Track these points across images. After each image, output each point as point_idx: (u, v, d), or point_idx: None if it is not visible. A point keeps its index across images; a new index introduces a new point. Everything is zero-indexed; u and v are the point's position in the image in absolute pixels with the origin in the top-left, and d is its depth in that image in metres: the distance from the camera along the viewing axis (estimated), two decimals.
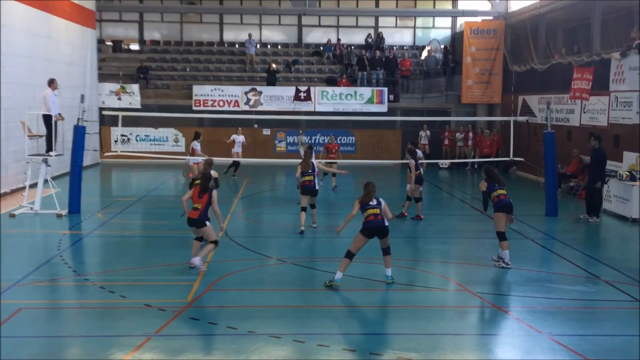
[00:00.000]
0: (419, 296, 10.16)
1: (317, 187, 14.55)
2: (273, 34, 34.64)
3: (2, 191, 17.98)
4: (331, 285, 10.14)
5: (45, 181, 16.05)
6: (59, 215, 15.38)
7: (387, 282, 10.45)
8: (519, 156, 19.13)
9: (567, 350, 7.79)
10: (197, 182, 11.45)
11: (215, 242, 11.04)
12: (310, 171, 14.36)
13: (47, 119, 15.99)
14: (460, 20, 31.86)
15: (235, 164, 23.22)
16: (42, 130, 16.37)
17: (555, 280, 10.92)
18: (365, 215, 10.37)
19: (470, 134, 27.68)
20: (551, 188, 16.81)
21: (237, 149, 23.29)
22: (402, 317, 9.05)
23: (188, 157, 19.22)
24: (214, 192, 10.98)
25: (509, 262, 11.50)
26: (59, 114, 16.13)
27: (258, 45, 32.71)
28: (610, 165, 18.84)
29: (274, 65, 30.22)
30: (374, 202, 10.46)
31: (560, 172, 18.87)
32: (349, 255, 10.36)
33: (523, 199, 20.09)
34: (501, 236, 11.62)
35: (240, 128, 24.10)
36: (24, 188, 16.39)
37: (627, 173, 16.66)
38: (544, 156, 17.12)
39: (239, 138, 23.36)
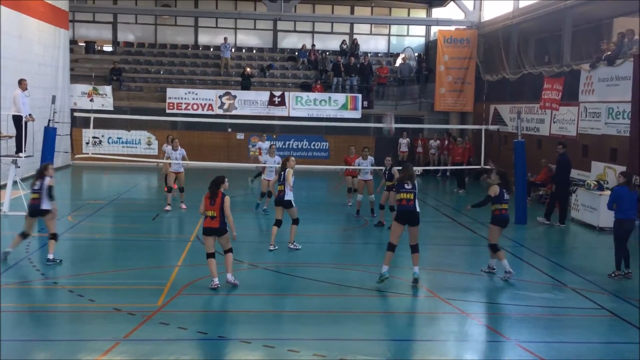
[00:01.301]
0: (390, 302, 10.23)
1: (287, 198, 12.79)
2: (248, 38, 34.65)
3: None
4: (383, 281, 10.44)
5: (15, 183, 15.82)
6: None
7: (414, 278, 10.64)
8: (489, 164, 19.35)
9: (534, 356, 7.91)
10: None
11: (231, 249, 10.41)
12: (282, 180, 12.91)
13: (17, 119, 15.77)
14: (434, 29, 32.19)
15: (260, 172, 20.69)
16: (12, 130, 16.14)
17: (523, 288, 11.07)
18: (398, 199, 10.61)
19: (445, 142, 27.96)
20: (520, 196, 17.04)
21: (264, 156, 19.49)
22: (372, 323, 9.11)
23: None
24: (227, 197, 10.22)
25: (511, 270, 11.24)
26: (30, 115, 15.92)
27: (233, 49, 32.67)
28: (579, 174, 19.22)
29: (248, 70, 30.21)
30: (409, 185, 10.55)
31: (529, 181, 19.13)
32: (391, 247, 10.68)
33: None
34: (494, 248, 11.42)
35: (264, 135, 22.99)
36: None
37: (595, 182, 16.97)
38: (514, 165, 17.36)
39: (264, 145, 20.85)
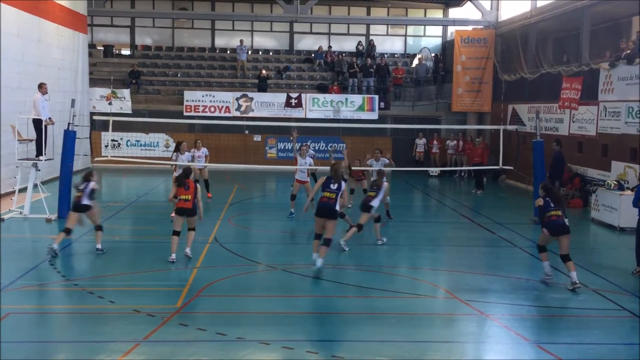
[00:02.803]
0: (408, 303, 10.20)
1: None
2: (264, 41, 34.74)
3: None
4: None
5: (35, 186, 15.99)
6: (49, 220, 15.32)
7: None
8: (508, 165, 19.24)
9: (555, 358, 7.85)
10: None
11: (194, 229, 12.15)
12: (333, 186, 11.56)
13: (37, 123, 15.94)
14: (451, 29, 32.06)
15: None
16: (32, 134, 16.33)
17: (543, 288, 10.98)
18: (322, 196, 11.37)
19: (461, 142, 27.84)
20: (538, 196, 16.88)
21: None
22: (391, 324, 9.08)
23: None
24: (197, 185, 12.06)
25: (551, 274, 11.24)
26: (49, 118, 16.10)
27: (249, 52, 32.78)
28: (599, 174, 19.05)
29: (265, 72, 30.29)
30: (334, 186, 11.45)
31: (548, 181, 18.98)
32: (317, 236, 11.49)
33: (512, 207, 20.25)
34: (540, 249, 11.35)
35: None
36: (13, 192, 16.32)
37: (615, 182, 16.80)
38: (533, 165, 17.24)
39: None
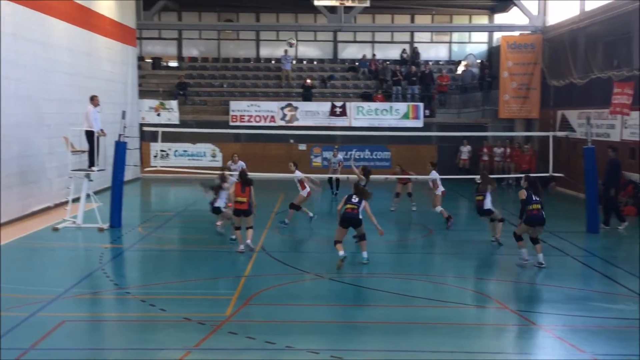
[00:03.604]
0: (457, 313, 10.06)
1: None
2: (309, 50, 34.94)
3: (46, 205, 18.40)
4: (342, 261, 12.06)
5: (88, 196, 16.37)
6: (101, 229, 15.67)
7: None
8: (558, 172, 18.87)
9: None
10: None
11: (252, 227, 13.48)
12: (355, 199, 12.72)
13: (89, 134, 16.34)
14: (497, 35, 31.68)
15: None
16: (85, 146, 16.73)
17: (597, 299, 10.72)
18: (346, 207, 12.55)
19: (508, 150, 27.43)
20: (592, 204, 16.54)
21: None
22: (439, 334, 8.96)
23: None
24: (252, 188, 13.44)
25: (527, 258, 12.46)
26: (101, 130, 16.48)
27: (294, 61, 32.99)
28: None
29: (309, 81, 30.44)
30: (355, 199, 12.57)
31: (600, 188, 18.52)
32: (337, 243, 12.46)
33: (563, 216, 19.79)
34: (517, 237, 12.58)
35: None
36: (67, 202, 16.74)
37: None
38: (584, 172, 16.87)
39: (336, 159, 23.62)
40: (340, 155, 22.92)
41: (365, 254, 12.70)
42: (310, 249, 14.76)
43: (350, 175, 20.51)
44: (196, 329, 8.78)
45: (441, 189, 17.44)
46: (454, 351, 8.26)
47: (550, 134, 18.61)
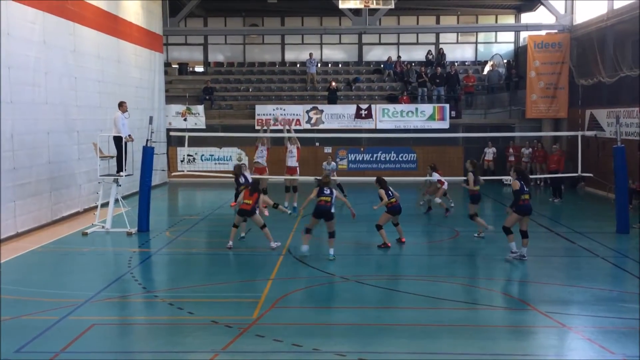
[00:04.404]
0: (485, 315, 9.99)
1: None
2: (334, 53, 34.98)
3: (75, 210, 18.68)
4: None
5: (116, 200, 16.57)
6: (129, 234, 15.86)
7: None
8: (587, 172, 18.62)
9: None
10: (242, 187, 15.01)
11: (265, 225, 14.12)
12: (327, 191, 13.56)
13: (117, 140, 16.55)
14: (524, 34, 31.37)
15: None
16: (113, 151, 16.96)
17: (629, 300, 10.55)
18: (319, 200, 13.34)
19: (535, 149, 27.12)
20: (622, 204, 16.30)
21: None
22: (467, 337, 8.90)
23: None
24: (261, 195, 14.42)
25: (517, 250, 12.86)
26: (129, 136, 16.68)
27: (319, 64, 33.05)
28: None
29: (334, 84, 30.47)
30: (327, 191, 13.32)
31: (631, 188, 18.25)
32: (308, 230, 13.41)
33: (593, 216, 19.56)
34: (507, 231, 12.91)
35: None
36: (96, 207, 16.98)
37: None
38: (614, 171, 16.63)
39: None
40: (334, 163, 22.39)
41: (331, 251, 13.25)
42: (336, 251, 14.74)
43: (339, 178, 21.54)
44: (224, 332, 8.84)
45: (446, 185, 19.08)
46: (482, 354, 8.21)
47: (579, 133, 18.39)
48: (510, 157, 27.88)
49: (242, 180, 16.04)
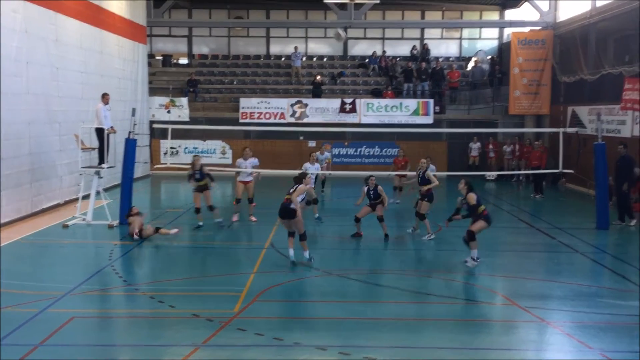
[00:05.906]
0: (467, 310, 10.07)
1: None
2: (319, 47, 34.93)
3: (56, 202, 18.52)
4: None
5: (98, 193, 16.45)
6: (111, 226, 15.75)
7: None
8: (568, 168, 18.77)
9: None
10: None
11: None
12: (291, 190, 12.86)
13: (99, 132, 16.43)
14: (508, 31, 31.54)
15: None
16: (95, 143, 16.83)
17: (607, 295, 10.68)
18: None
19: (517, 146, 27.32)
20: (602, 201, 16.46)
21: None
22: (449, 331, 8.97)
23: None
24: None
25: (479, 257, 12.26)
26: (111, 127, 16.55)
27: (304, 58, 33.00)
28: None
29: (319, 78, 30.43)
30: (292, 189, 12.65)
31: (611, 184, 18.42)
32: (291, 234, 12.63)
33: (573, 212, 19.74)
34: (473, 237, 12.24)
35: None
36: (77, 199, 16.85)
37: None
38: (594, 168, 16.78)
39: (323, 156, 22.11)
40: (327, 153, 21.99)
41: (306, 254, 12.41)
42: (318, 246, 14.75)
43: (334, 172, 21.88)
44: (205, 326, 8.82)
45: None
46: (463, 348, 8.27)
47: (561, 130, 18.50)
48: (491, 152, 28.04)
49: (197, 175, 16.17)
